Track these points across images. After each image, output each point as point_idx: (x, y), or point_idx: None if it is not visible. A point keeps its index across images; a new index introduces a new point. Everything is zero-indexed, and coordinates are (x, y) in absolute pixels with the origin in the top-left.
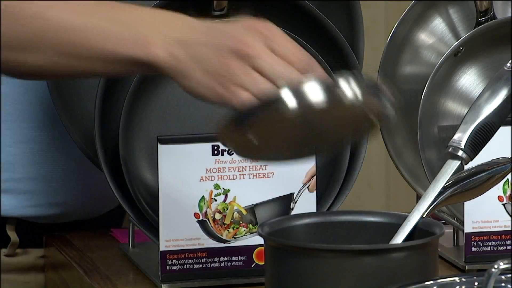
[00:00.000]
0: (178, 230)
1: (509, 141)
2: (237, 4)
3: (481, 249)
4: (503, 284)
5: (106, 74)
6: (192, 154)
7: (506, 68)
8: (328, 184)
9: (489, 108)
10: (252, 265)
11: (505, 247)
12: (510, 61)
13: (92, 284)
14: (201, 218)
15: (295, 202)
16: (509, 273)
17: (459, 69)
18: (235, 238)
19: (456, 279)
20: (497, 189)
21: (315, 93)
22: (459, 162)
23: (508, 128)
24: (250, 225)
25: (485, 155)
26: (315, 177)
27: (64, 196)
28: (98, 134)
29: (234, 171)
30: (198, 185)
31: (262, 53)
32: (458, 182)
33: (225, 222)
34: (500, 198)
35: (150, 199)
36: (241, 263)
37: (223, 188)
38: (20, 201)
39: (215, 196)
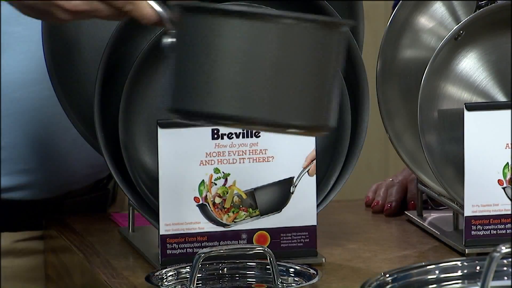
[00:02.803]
0: (178, 214)
1: None
2: None
3: (481, 232)
4: (504, 268)
5: None
6: (192, 138)
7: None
8: (328, 168)
9: None
10: None
11: (505, 230)
12: None
13: (92, 268)
14: (201, 202)
15: (295, 186)
16: (510, 257)
17: (459, 53)
18: (235, 222)
19: (458, 263)
20: (497, 173)
21: None
22: None
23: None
24: (250, 209)
25: None
26: (315, 161)
27: (37, 161)
28: (97, 119)
29: (234, 155)
30: (198, 169)
31: None
32: None
33: (225, 206)
34: (500, 182)
35: (150, 183)
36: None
37: (223, 172)
38: None
39: (215, 180)
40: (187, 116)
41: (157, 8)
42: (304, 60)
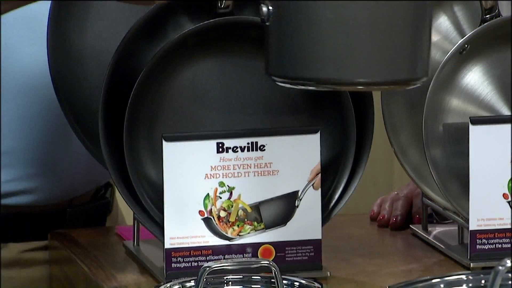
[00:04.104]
0: (183, 228)
1: None
2: (241, 2)
3: (486, 246)
4: (509, 282)
5: None
6: (197, 151)
7: None
8: (333, 181)
9: None
10: None
11: (510, 244)
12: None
13: (97, 281)
14: (206, 215)
15: (300, 200)
16: None
17: (464, 66)
18: (240, 235)
19: (463, 276)
20: (502, 187)
21: None
22: None
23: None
24: (255, 222)
25: None
26: (320, 175)
27: (40, 167)
28: (102, 132)
29: (239, 168)
30: (203, 183)
31: None
32: None
33: (230, 220)
34: (505, 196)
35: (155, 197)
36: None
37: (228, 186)
38: None
39: (220, 193)
40: (291, 81)
41: None
42: (397, 16)
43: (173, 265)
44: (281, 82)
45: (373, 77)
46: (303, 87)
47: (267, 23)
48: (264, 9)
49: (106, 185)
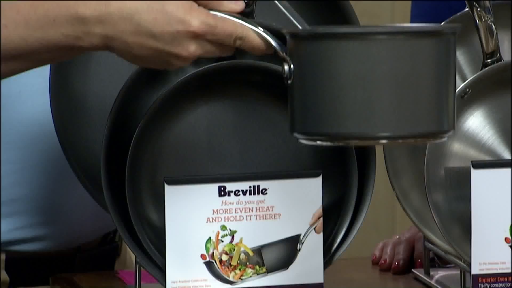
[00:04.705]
0: (185, 272)
1: None
2: None
3: None
4: None
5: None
6: (199, 195)
7: None
8: (335, 225)
9: None
10: None
11: None
12: None
13: None
14: (207, 259)
15: (302, 244)
16: None
17: (465, 110)
18: (242, 279)
19: None
20: (504, 231)
21: None
22: None
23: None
24: (257, 266)
25: None
26: (322, 219)
27: (48, 214)
28: (104, 176)
29: (241, 212)
30: (204, 226)
31: None
32: None
33: (232, 264)
34: (507, 240)
35: (157, 241)
36: None
37: (230, 229)
38: (6, 225)
39: (221, 237)
40: (315, 138)
41: (267, 37)
42: (420, 69)
43: None
44: (304, 139)
45: (397, 131)
46: (327, 143)
47: (289, 81)
48: (286, 67)
49: (115, 229)
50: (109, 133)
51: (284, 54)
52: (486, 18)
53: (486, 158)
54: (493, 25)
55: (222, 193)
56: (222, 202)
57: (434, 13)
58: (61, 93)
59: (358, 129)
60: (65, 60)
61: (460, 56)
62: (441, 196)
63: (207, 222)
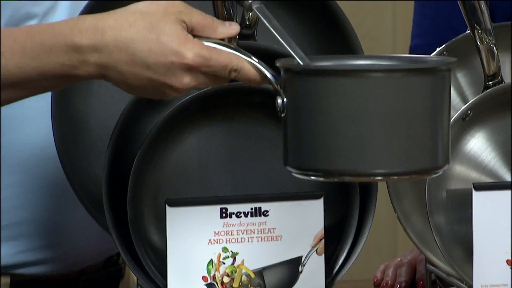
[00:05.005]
0: None
1: None
2: None
3: None
4: None
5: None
6: (201, 216)
7: None
8: (336, 247)
9: None
10: None
11: None
12: None
13: None
14: (209, 281)
15: (304, 266)
16: None
17: (467, 132)
18: None
19: None
20: (505, 253)
21: None
22: None
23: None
24: None
25: None
26: (323, 240)
27: (51, 237)
28: (106, 198)
29: (243, 234)
30: (206, 248)
31: None
32: None
33: (233, 286)
34: (508, 262)
35: (158, 262)
36: None
37: (232, 251)
38: (10, 248)
39: (223, 259)
40: (308, 173)
41: (262, 69)
42: (413, 108)
43: None
44: (297, 173)
45: (391, 168)
46: (320, 179)
47: (282, 115)
48: (279, 101)
49: (119, 252)
50: (110, 155)
51: (278, 87)
52: (487, 40)
53: (488, 180)
54: (494, 47)
55: (224, 215)
56: (224, 224)
57: (435, 33)
58: (62, 115)
59: (352, 166)
60: (62, 88)
61: (462, 78)
62: (442, 218)
63: (208, 244)
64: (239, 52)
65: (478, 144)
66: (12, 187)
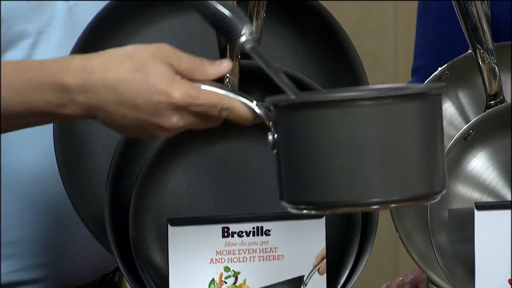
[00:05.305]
0: None
1: None
2: (248, 83)
3: None
4: None
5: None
6: (202, 236)
7: None
8: (338, 266)
9: None
10: None
11: None
12: None
13: None
14: None
15: (306, 285)
16: None
17: (469, 152)
18: None
19: None
20: (507, 273)
21: None
22: None
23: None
24: None
25: None
26: (325, 260)
27: (48, 256)
28: (108, 217)
29: (244, 253)
30: (208, 267)
31: None
32: None
33: None
34: (510, 282)
35: (160, 282)
36: None
37: (233, 271)
38: (5, 267)
39: (225, 278)
40: (300, 207)
41: (253, 107)
42: (406, 134)
43: None
44: (293, 208)
45: (387, 197)
46: (316, 212)
47: (274, 151)
48: (270, 137)
49: (115, 269)
50: (112, 174)
51: (269, 123)
52: (489, 60)
53: (490, 199)
54: (496, 67)
55: (226, 234)
56: (226, 243)
57: (438, 54)
58: (64, 134)
59: (347, 197)
60: (48, 124)
61: (463, 98)
62: (444, 238)
63: (210, 263)
64: (230, 91)
65: (480, 164)
66: (9, 205)
